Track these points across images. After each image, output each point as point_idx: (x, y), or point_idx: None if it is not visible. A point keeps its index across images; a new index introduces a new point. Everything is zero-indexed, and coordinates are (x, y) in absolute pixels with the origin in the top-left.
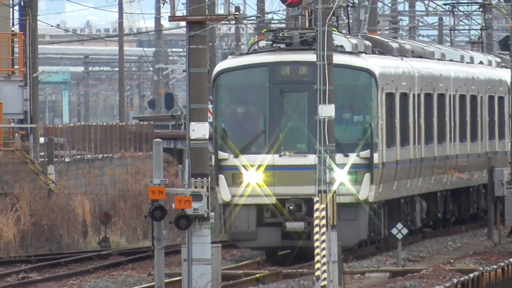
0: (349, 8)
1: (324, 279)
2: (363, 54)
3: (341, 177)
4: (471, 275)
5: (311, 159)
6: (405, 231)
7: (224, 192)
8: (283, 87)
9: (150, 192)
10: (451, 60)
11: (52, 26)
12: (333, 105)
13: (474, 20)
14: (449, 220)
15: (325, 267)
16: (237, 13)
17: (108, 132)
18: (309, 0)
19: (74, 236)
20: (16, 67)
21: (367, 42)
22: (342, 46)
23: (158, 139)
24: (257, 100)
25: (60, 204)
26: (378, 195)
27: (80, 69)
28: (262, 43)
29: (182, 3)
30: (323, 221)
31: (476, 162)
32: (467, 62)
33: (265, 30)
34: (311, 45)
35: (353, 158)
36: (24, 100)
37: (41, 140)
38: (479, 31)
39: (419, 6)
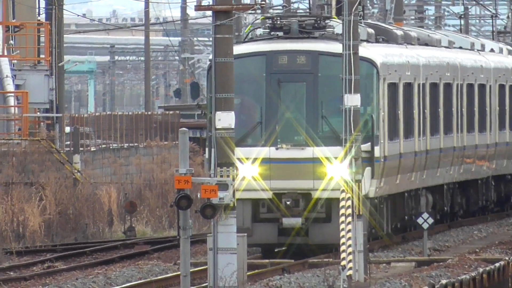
0: None
1: (350, 268)
2: (365, 43)
3: (340, 171)
4: (497, 264)
5: (309, 152)
6: (430, 220)
7: None
8: (281, 77)
9: (176, 182)
10: (460, 47)
11: (78, 15)
12: (358, 94)
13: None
14: (456, 214)
15: (350, 257)
16: (263, 2)
17: (134, 122)
18: None
19: (100, 226)
20: (42, 56)
21: (370, 30)
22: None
23: (184, 129)
24: (253, 90)
25: (85, 193)
26: (379, 189)
27: (106, 58)
28: (259, 31)
29: None
30: (349, 211)
31: (484, 153)
32: (477, 50)
33: (262, 17)
34: (310, 33)
35: (353, 151)
36: (50, 90)
37: (67, 129)
38: (506, 20)
39: None
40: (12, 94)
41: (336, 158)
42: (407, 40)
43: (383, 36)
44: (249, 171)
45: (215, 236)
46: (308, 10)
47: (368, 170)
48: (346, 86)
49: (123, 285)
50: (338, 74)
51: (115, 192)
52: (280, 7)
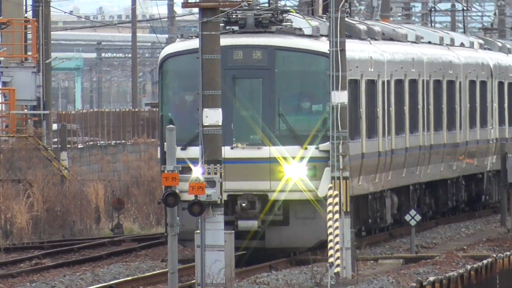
0: None
1: (338, 265)
2: (324, 38)
3: (298, 171)
4: (485, 261)
5: (266, 151)
6: (418, 217)
7: None
8: (236, 73)
9: (164, 179)
10: (429, 42)
11: (65, 12)
12: (346, 91)
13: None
14: (425, 215)
15: (338, 254)
16: None
17: (121, 119)
18: None
19: (87, 223)
20: (29, 53)
21: None
22: (300, 29)
23: (171, 126)
24: None
25: (73, 190)
26: None
27: (93, 55)
28: None
29: None
30: (336, 208)
31: (454, 152)
32: (447, 44)
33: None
34: (267, 27)
35: (311, 151)
36: (37, 87)
37: (54, 126)
38: (492, 17)
39: None
40: None
41: (294, 157)
42: (371, 35)
43: (345, 32)
44: (202, 172)
45: (202, 233)
46: (264, 4)
47: (327, 170)
48: (333, 83)
49: (111, 282)
50: (296, 70)
51: (102, 189)
52: (267, 5)
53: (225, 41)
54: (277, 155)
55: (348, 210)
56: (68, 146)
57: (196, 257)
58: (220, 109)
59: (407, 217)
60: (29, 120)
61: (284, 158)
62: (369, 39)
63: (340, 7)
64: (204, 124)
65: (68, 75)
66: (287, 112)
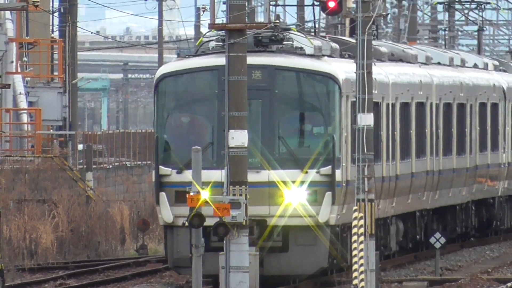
0: (382, 17)
1: (362, 287)
2: (326, 57)
3: (298, 196)
4: (509, 284)
5: (265, 175)
6: (443, 240)
7: (166, 212)
8: None
9: (189, 200)
10: (438, 63)
11: (91, 32)
12: (372, 114)
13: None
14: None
15: (362, 276)
16: (277, 21)
17: (147, 139)
18: (349, 9)
19: (112, 243)
20: (55, 73)
21: (334, 45)
22: (302, 48)
23: (197, 147)
24: (204, 108)
25: (98, 211)
26: (341, 217)
27: (120, 76)
28: (212, 44)
29: (222, 11)
30: (361, 230)
31: (463, 177)
32: (457, 65)
33: (214, 29)
34: (267, 47)
35: (312, 175)
36: (63, 107)
37: (80, 147)
38: None
39: (459, 15)
40: (25, 111)
41: (294, 182)
42: (377, 56)
43: (349, 52)
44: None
45: (227, 254)
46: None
47: (328, 195)
48: (359, 105)
49: None
50: (297, 91)
51: (127, 210)
52: (294, 26)
53: (223, 60)
54: (276, 179)
55: (373, 232)
56: (94, 166)
57: (220, 278)
58: (246, 131)
59: (432, 240)
60: (55, 140)
61: (284, 183)
62: (374, 60)
63: (367, 30)
64: (230, 146)
65: (94, 96)
66: (287, 134)
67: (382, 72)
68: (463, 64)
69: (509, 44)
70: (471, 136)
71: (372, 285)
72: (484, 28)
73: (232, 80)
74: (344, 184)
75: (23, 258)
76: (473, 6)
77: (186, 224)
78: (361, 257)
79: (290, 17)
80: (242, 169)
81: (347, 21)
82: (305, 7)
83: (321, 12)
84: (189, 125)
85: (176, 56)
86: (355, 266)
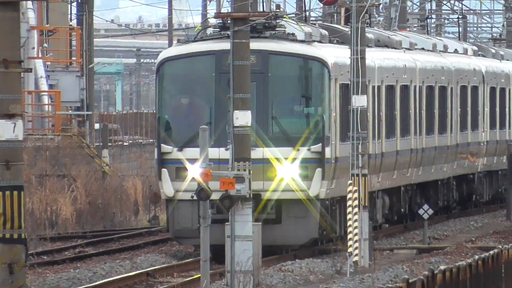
0: (375, 7)
1: (356, 255)
2: (316, 43)
3: (290, 172)
4: (491, 252)
5: (259, 152)
6: (430, 211)
7: (167, 187)
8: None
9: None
10: (422, 48)
11: (106, 21)
12: (365, 96)
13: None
14: (414, 215)
15: (357, 244)
16: (277, 10)
17: None
18: None
19: (126, 214)
20: (73, 58)
21: (324, 31)
22: (293, 34)
23: (204, 126)
24: (202, 90)
25: (113, 185)
26: (330, 191)
27: (133, 61)
28: (209, 30)
29: (227, 1)
30: (355, 202)
31: (445, 154)
32: (440, 51)
33: (210, 16)
34: (261, 32)
35: (303, 152)
36: (81, 89)
37: (96, 126)
38: (501, 29)
39: (448, 4)
40: (46, 93)
41: (286, 159)
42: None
43: (338, 38)
44: (198, 172)
45: (232, 224)
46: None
47: (318, 171)
48: (353, 88)
49: (148, 269)
50: (289, 74)
51: (140, 184)
52: (294, 15)
53: (220, 45)
54: (270, 156)
55: (367, 204)
56: (109, 144)
57: (226, 246)
58: (249, 111)
59: (421, 211)
60: (73, 120)
61: (277, 159)
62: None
63: (360, 18)
64: (235, 125)
65: (109, 79)
66: (280, 115)
67: (369, 57)
68: (445, 49)
69: (491, 31)
70: (452, 116)
71: (365, 253)
72: (466, 16)
73: (236, 65)
74: (333, 161)
75: (45, 228)
76: None
77: (194, 197)
78: (355, 227)
79: (289, 7)
80: (245, 146)
81: (342, 10)
82: None
83: (319, 2)
84: (188, 106)
85: (175, 42)
86: (349, 236)
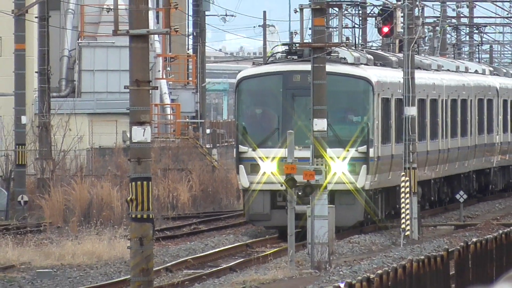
0: (422, 38)
1: (408, 230)
2: (363, 65)
3: (342, 168)
4: None
5: None
6: (465, 196)
7: (244, 180)
8: (295, 92)
9: (285, 168)
10: (448, 70)
11: (215, 50)
12: (415, 107)
13: None
14: (443, 201)
15: (408, 222)
16: (347, 41)
17: None
18: (398, 32)
19: (231, 199)
20: (190, 79)
21: (369, 56)
22: (345, 58)
23: (291, 131)
24: (272, 102)
25: (220, 176)
26: (373, 183)
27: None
28: (279, 55)
29: (309, 34)
30: (407, 189)
31: (466, 153)
32: (461, 72)
33: (280, 44)
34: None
35: (352, 152)
36: (196, 103)
37: (207, 131)
38: None
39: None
40: (169, 106)
41: (338, 157)
42: (401, 64)
43: (381, 61)
44: (268, 168)
45: (312, 207)
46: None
47: (364, 167)
48: (406, 101)
49: (247, 241)
50: (341, 90)
51: None
52: (359, 45)
53: (286, 67)
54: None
55: (416, 191)
56: (218, 145)
57: (307, 224)
58: (325, 119)
59: (457, 196)
60: (190, 126)
61: (331, 158)
62: (399, 67)
63: (411, 47)
64: (314, 130)
65: (218, 95)
66: (334, 122)
67: None
68: (466, 70)
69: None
70: (472, 123)
71: (415, 228)
72: (492, 45)
73: (315, 84)
74: (376, 159)
75: (167, 210)
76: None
77: (284, 187)
78: (407, 208)
79: (357, 39)
80: (322, 146)
81: (397, 41)
82: (367, 31)
83: (378, 34)
84: (261, 115)
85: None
86: (402, 215)
